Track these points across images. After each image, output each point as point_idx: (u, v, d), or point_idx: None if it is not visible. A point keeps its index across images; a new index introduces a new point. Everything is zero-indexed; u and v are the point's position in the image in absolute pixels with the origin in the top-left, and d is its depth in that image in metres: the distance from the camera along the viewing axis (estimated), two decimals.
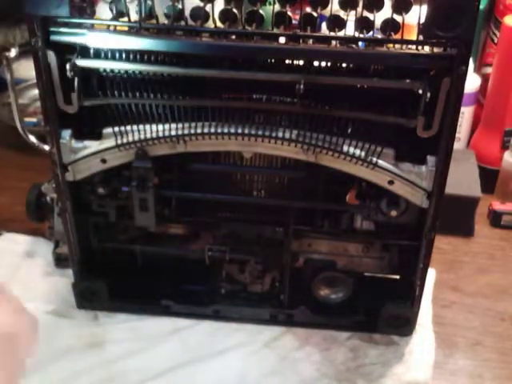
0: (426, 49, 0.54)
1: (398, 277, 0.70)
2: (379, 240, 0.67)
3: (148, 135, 0.59)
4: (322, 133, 0.58)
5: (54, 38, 0.55)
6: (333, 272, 0.68)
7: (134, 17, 0.56)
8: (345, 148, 0.58)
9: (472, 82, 0.92)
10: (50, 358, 0.65)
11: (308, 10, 0.57)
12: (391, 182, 0.59)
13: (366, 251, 0.68)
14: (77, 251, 0.67)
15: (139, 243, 0.69)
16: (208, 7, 0.56)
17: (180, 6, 0.56)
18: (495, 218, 0.87)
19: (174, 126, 0.59)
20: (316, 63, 0.56)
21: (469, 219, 0.85)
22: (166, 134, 0.59)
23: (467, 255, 0.83)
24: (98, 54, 0.57)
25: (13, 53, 0.73)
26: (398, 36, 0.55)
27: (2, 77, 0.85)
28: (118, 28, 0.57)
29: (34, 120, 0.91)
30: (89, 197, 0.65)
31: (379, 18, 0.55)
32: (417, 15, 0.53)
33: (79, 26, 0.56)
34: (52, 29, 0.55)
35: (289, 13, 0.56)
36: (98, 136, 0.61)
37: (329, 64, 0.57)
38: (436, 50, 0.54)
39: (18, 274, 0.75)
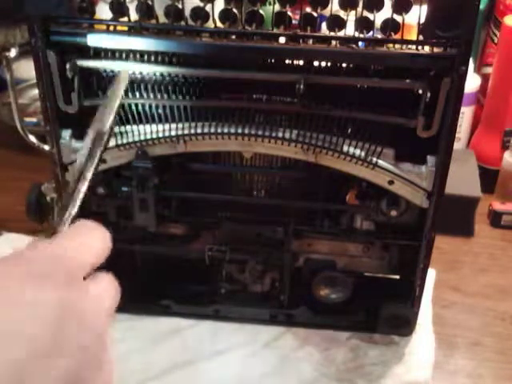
0: (426, 49, 0.54)
1: (398, 277, 0.70)
2: (379, 240, 0.67)
3: (148, 135, 0.59)
4: (322, 133, 0.58)
5: (53, 38, 0.55)
6: (333, 272, 0.68)
7: (134, 17, 0.56)
8: (345, 148, 0.58)
9: (472, 82, 0.92)
10: None
11: (308, 10, 0.57)
12: (391, 182, 0.59)
13: (366, 251, 0.68)
14: None
15: (139, 243, 0.69)
16: (208, 7, 0.56)
17: (180, 6, 0.56)
18: (495, 218, 0.87)
19: (173, 126, 0.59)
20: (316, 63, 0.56)
21: (469, 219, 0.85)
22: (166, 134, 0.59)
23: (467, 255, 0.83)
24: (98, 54, 0.57)
25: (13, 53, 0.73)
26: (398, 36, 0.55)
27: (2, 77, 0.85)
28: (118, 28, 0.57)
29: (34, 120, 0.91)
30: (89, 197, 0.65)
31: (379, 18, 0.55)
32: (417, 15, 0.53)
33: (79, 26, 0.56)
34: (52, 29, 0.55)
35: (289, 13, 0.56)
36: None
37: (329, 64, 0.57)
38: (436, 49, 0.54)
39: None
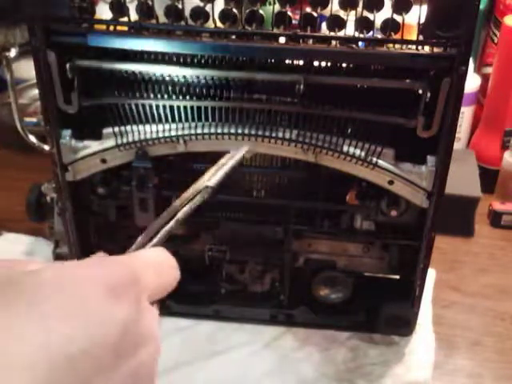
0: (426, 49, 0.54)
1: (398, 277, 0.70)
2: (379, 240, 0.67)
3: (148, 135, 0.59)
4: (322, 133, 0.58)
5: (54, 38, 0.55)
6: (333, 272, 0.68)
7: (134, 17, 0.56)
8: (345, 148, 0.58)
9: (472, 82, 0.92)
10: None
11: (308, 10, 0.57)
12: (391, 182, 0.59)
13: (366, 251, 0.68)
14: (77, 251, 0.67)
15: None
16: (208, 7, 0.56)
17: (180, 6, 0.56)
18: (495, 218, 0.87)
19: (173, 126, 0.59)
20: (316, 63, 0.56)
21: (469, 219, 0.85)
22: (166, 134, 0.59)
23: (467, 255, 0.83)
24: (98, 54, 0.57)
25: (13, 53, 0.73)
26: (398, 36, 0.55)
27: (2, 77, 0.85)
28: (118, 28, 0.57)
29: (34, 120, 0.91)
30: (89, 197, 0.65)
31: (379, 18, 0.55)
32: (417, 15, 0.53)
33: (79, 25, 0.56)
34: (52, 29, 0.55)
35: (289, 13, 0.56)
36: (98, 136, 0.61)
37: (329, 64, 0.57)
38: (436, 49, 0.54)
39: None
